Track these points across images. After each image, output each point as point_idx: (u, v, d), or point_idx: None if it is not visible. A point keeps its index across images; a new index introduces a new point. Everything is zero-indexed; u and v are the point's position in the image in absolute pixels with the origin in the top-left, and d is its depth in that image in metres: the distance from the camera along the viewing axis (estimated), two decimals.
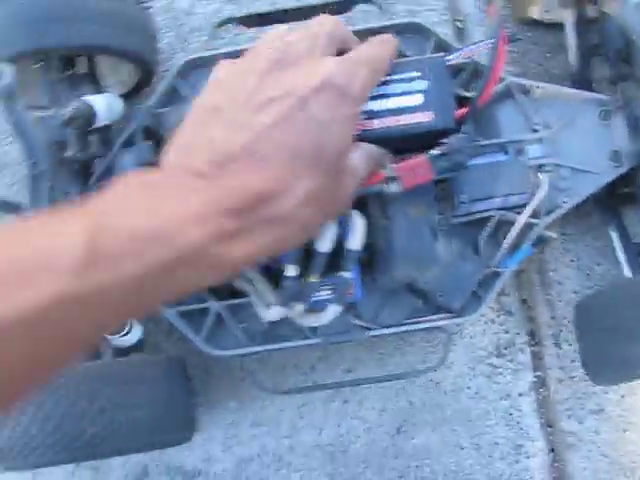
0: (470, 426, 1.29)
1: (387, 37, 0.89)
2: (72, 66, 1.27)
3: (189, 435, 1.15)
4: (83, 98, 1.16)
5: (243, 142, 0.68)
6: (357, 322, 1.13)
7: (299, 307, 1.08)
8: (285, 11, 1.27)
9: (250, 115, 0.70)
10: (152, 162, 1.13)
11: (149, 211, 0.59)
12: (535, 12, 1.36)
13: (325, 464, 1.26)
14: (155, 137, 1.16)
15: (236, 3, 1.47)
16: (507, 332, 1.32)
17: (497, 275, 1.14)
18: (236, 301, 1.15)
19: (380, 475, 1.26)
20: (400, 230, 1.08)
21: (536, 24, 1.41)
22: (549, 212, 1.14)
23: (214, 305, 1.15)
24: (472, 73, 1.16)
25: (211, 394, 1.28)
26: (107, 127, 1.23)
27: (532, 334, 1.35)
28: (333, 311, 1.09)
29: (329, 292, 1.09)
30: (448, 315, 1.13)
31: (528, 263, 1.37)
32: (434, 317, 1.14)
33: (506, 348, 1.32)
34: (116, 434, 0.99)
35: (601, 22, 1.22)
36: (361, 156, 0.81)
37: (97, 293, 0.53)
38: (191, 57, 1.20)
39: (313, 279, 1.06)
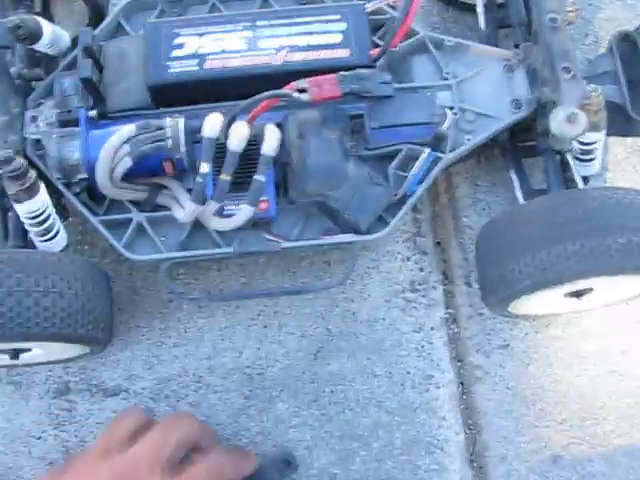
0: (384, 355, 1.36)
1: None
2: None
3: (103, 340, 1.18)
4: (32, 16, 1.21)
5: None
6: (269, 237, 1.21)
7: (211, 207, 1.16)
8: None
9: None
10: (91, 77, 1.20)
11: None
12: None
13: (243, 386, 1.33)
14: (96, 62, 1.24)
15: None
16: (422, 270, 1.40)
17: (403, 202, 1.24)
18: (157, 214, 1.24)
19: (295, 399, 1.33)
20: (313, 148, 1.18)
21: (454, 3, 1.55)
22: (453, 149, 1.25)
23: (136, 215, 1.23)
24: (389, 28, 1.29)
25: (137, 314, 1.35)
26: (53, 58, 1.29)
27: (445, 274, 1.43)
28: (244, 214, 1.17)
29: (243, 201, 1.18)
30: (356, 234, 1.22)
31: (443, 209, 1.46)
32: (343, 235, 1.22)
33: (420, 284, 1.40)
34: (23, 317, 1.04)
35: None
36: None
37: None
38: None
39: (225, 177, 1.14)
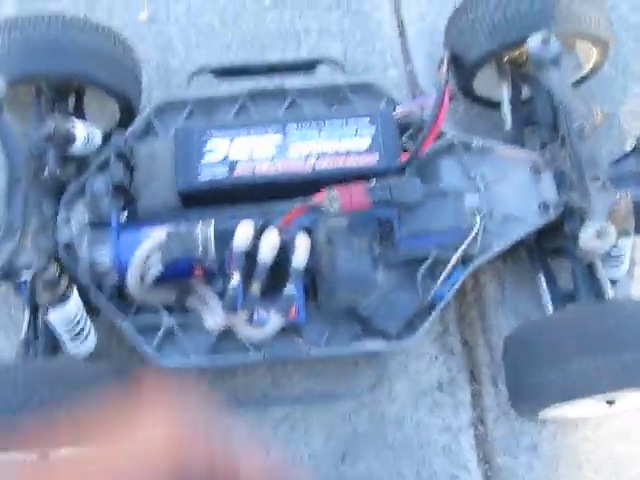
0: (411, 455, 1.35)
1: None
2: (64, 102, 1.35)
3: None
4: (65, 121, 1.23)
5: None
6: (299, 342, 1.21)
7: (241, 316, 1.15)
8: (256, 66, 1.37)
9: None
10: (123, 182, 1.21)
11: None
12: (477, 89, 1.47)
13: None
14: (127, 164, 1.25)
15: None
16: (449, 370, 1.39)
17: (432, 307, 1.23)
18: (187, 319, 1.23)
19: None
20: (343, 256, 1.17)
21: (479, 100, 1.53)
22: (482, 253, 1.25)
23: (167, 319, 1.23)
24: (417, 129, 1.28)
25: None
26: (85, 157, 1.31)
27: (472, 374, 1.40)
28: (274, 324, 1.17)
29: (273, 312, 1.17)
30: (385, 341, 1.21)
31: (470, 308, 1.44)
32: (372, 341, 1.21)
33: (448, 384, 1.39)
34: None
35: (534, 97, 1.36)
36: None
37: None
38: (166, 99, 1.34)
39: (255, 288, 1.14)
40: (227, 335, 1.22)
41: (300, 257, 1.15)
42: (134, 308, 1.24)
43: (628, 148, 1.36)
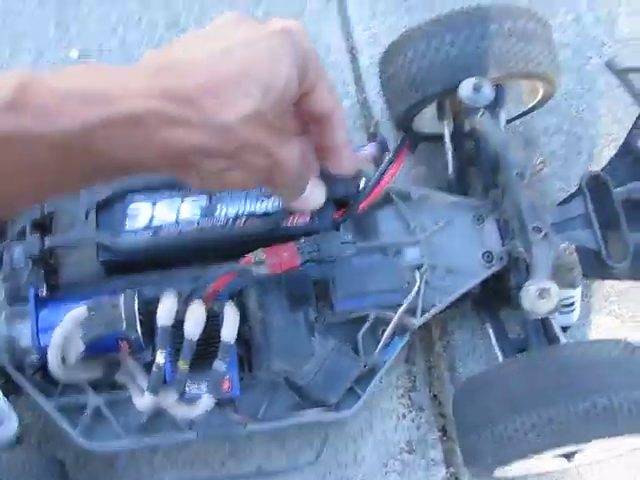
0: None
1: None
2: None
3: None
4: None
5: (203, 55, 0.64)
6: (236, 417, 1.11)
7: (171, 396, 1.05)
8: None
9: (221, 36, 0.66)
10: (38, 256, 1.11)
11: (92, 79, 0.58)
12: (418, 125, 1.36)
13: None
14: (44, 229, 1.14)
15: None
16: (418, 428, 1.29)
17: (374, 371, 1.13)
18: (115, 396, 1.13)
19: None
20: (276, 323, 1.09)
21: (419, 136, 1.41)
22: (425, 311, 1.15)
23: (93, 399, 1.12)
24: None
25: None
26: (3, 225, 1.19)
27: (444, 430, 1.30)
28: (206, 402, 1.06)
29: (205, 386, 1.06)
30: (325, 410, 1.11)
31: (438, 359, 1.34)
32: (311, 412, 1.11)
33: (418, 444, 1.29)
34: None
35: (475, 136, 1.27)
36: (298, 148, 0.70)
37: (24, 138, 0.54)
38: None
39: (183, 366, 1.03)
40: (159, 412, 1.11)
41: (228, 330, 1.04)
42: (60, 388, 1.13)
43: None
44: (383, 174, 1.09)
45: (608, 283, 1.35)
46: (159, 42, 1.53)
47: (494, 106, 1.23)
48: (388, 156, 1.10)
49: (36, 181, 0.58)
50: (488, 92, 1.14)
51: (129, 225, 1.10)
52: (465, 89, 1.14)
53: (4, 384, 1.12)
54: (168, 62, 0.63)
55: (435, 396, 1.31)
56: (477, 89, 1.13)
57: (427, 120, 1.34)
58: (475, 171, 1.32)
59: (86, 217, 1.11)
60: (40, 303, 1.09)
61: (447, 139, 1.29)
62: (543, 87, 1.28)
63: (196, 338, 1.02)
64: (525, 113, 1.39)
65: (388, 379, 1.29)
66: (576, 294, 1.13)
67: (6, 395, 1.11)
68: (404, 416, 1.29)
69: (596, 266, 1.19)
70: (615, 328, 1.34)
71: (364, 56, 1.56)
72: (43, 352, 1.06)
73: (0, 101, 0.53)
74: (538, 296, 1.00)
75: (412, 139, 1.20)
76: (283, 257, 1.03)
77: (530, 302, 1.01)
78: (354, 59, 1.56)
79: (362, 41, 1.57)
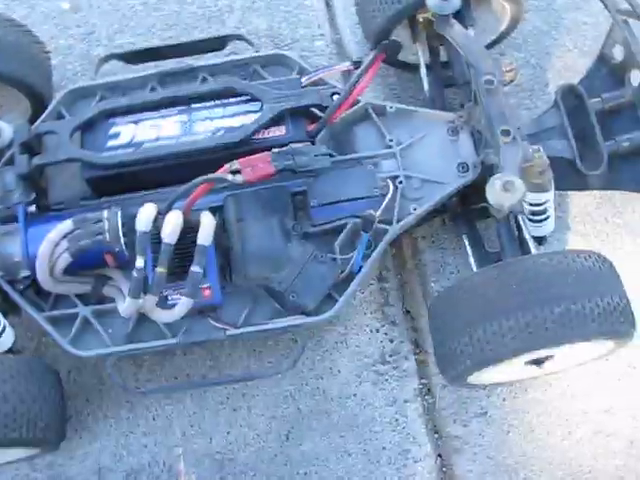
0: (357, 432, 1.30)
1: None
2: None
3: (47, 439, 1.11)
4: None
5: None
6: (216, 324, 1.15)
7: (150, 300, 1.10)
8: (164, 48, 1.31)
9: None
10: (27, 174, 1.16)
11: None
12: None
13: (214, 472, 1.27)
14: (32, 151, 1.19)
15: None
16: (392, 341, 1.34)
17: (351, 278, 1.17)
18: (103, 306, 1.18)
19: None
20: (252, 231, 1.13)
21: (400, 65, 1.47)
22: (400, 219, 1.19)
23: (82, 309, 1.18)
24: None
25: (103, 404, 1.30)
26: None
27: (416, 343, 1.36)
28: (184, 304, 1.11)
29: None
30: (303, 316, 1.15)
31: (410, 276, 1.39)
32: (290, 317, 1.15)
33: (391, 356, 1.33)
34: None
35: (449, 57, 1.33)
36: None
37: None
38: (73, 87, 1.28)
39: (161, 270, 1.09)
40: (145, 321, 1.17)
41: (204, 234, 1.09)
42: (50, 302, 1.19)
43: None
44: (355, 84, 1.14)
45: (574, 203, 1.41)
46: None
47: (463, 23, 1.27)
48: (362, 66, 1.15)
49: None
50: (455, 0, 1.17)
51: (112, 143, 1.16)
52: None
53: (1, 301, 1.18)
54: None
55: (408, 311, 1.37)
56: None
57: (404, 50, 1.38)
58: (452, 91, 1.38)
59: (70, 137, 1.17)
60: (29, 220, 1.14)
61: (421, 58, 1.34)
62: (510, 7, 1.33)
63: (173, 242, 1.07)
64: (496, 41, 1.44)
65: (361, 296, 1.35)
66: (548, 199, 1.15)
67: (4, 313, 1.17)
68: (377, 330, 1.34)
69: (571, 175, 1.22)
70: (581, 246, 1.38)
71: (338, 1, 1.62)
72: (33, 265, 1.11)
73: None
74: (503, 189, 1.03)
75: (390, 50, 1.22)
76: (258, 166, 1.08)
77: (495, 195, 1.04)
78: (329, 3, 1.62)
79: None
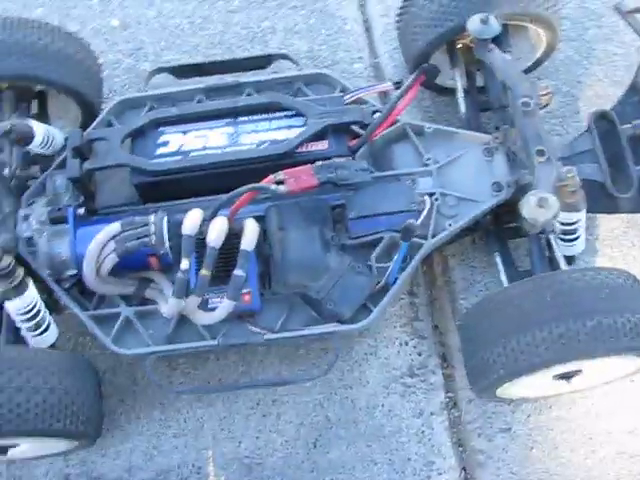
0: (384, 442, 1.32)
1: None
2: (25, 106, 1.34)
3: (87, 433, 1.14)
4: (24, 120, 1.23)
5: None
6: (254, 328, 1.19)
7: (192, 301, 1.14)
8: (211, 63, 1.35)
9: None
10: (78, 178, 1.21)
11: None
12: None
13: (242, 476, 1.31)
14: (83, 156, 1.24)
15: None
16: (420, 354, 1.36)
17: (386, 290, 1.20)
18: (145, 307, 1.22)
19: None
20: (293, 240, 1.17)
21: (439, 89, 1.52)
22: (435, 235, 1.22)
23: (124, 310, 1.22)
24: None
25: (136, 404, 1.33)
26: (48, 157, 1.32)
27: (444, 357, 1.39)
28: (226, 306, 1.15)
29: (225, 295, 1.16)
30: (338, 324, 1.18)
31: (440, 292, 1.43)
32: (325, 325, 1.19)
33: (419, 369, 1.36)
34: (12, 414, 1.04)
35: (486, 81, 1.37)
36: None
37: None
38: (123, 97, 1.34)
39: (205, 272, 1.13)
40: (185, 323, 1.21)
41: (247, 239, 1.13)
42: (95, 301, 1.24)
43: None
44: (395, 104, 1.19)
45: (602, 227, 1.44)
46: (192, 13, 1.67)
47: (499, 46, 1.31)
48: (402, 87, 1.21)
49: None
50: (495, 25, 1.22)
51: (161, 151, 1.22)
52: (473, 22, 1.23)
53: (47, 299, 1.23)
54: None
55: (436, 326, 1.40)
56: (484, 22, 1.21)
57: (443, 74, 1.41)
58: (489, 117, 1.41)
59: (121, 144, 1.22)
60: (78, 221, 1.19)
61: (458, 82, 1.38)
62: (545, 35, 1.37)
63: (217, 246, 1.12)
64: (531, 68, 1.48)
65: (392, 309, 1.38)
66: (579, 219, 1.18)
67: (49, 310, 1.22)
68: (406, 343, 1.37)
69: (602, 198, 1.25)
70: (634, 257, 1.42)
71: (377, 26, 1.67)
72: (79, 265, 1.16)
73: None
74: (537, 205, 1.06)
75: (429, 73, 1.26)
76: (301, 178, 1.12)
77: (530, 210, 1.07)
78: (368, 28, 1.68)
79: (376, 13, 1.68)
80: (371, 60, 1.62)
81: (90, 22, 1.65)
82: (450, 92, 1.48)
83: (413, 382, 1.36)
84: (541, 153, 1.14)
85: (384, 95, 1.40)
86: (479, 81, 1.42)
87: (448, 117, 1.47)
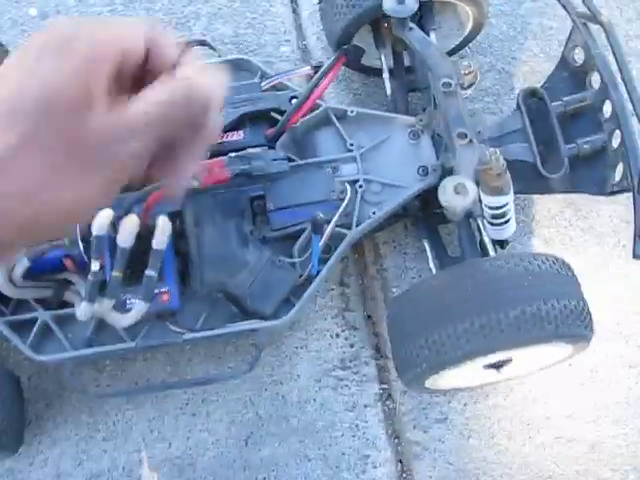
0: (317, 437, 1.30)
1: None
2: None
3: (12, 444, 1.11)
4: None
5: None
6: (174, 328, 1.16)
7: (106, 303, 1.11)
8: None
9: None
10: None
11: None
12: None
13: (173, 477, 1.27)
14: None
15: None
16: (352, 346, 1.33)
17: (309, 282, 1.18)
18: (62, 311, 1.18)
19: None
20: (209, 235, 1.13)
21: (365, 69, 1.48)
22: (359, 223, 1.19)
23: (41, 314, 1.18)
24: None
25: (64, 409, 1.30)
26: None
27: (377, 348, 1.37)
28: (139, 308, 1.11)
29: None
30: (260, 320, 1.16)
31: (371, 281, 1.39)
32: (246, 321, 1.16)
33: (351, 361, 1.34)
34: None
35: (412, 62, 1.35)
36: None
37: None
38: None
39: (116, 274, 1.09)
40: (106, 326, 1.17)
41: (158, 238, 1.08)
42: (11, 308, 1.20)
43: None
44: (314, 88, 1.15)
45: (537, 208, 1.42)
46: (112, 0, 1.61)
47: (424, 27, 1.30)
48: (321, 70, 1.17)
49: None
50: (411, 3, 1.19)
51: None
52: (389, 1, 1.19)
53: None
54: None
55: (369, 316, 1.38)
56: (400, 1, 1.18)
57: (367, 54, 1.39)
58: (417, 96, 1.39)
59: None
60: None
61: (384, 63, 1.35)
62: (472, 11, 1.34)
63: (128, 246, 1.07)
64: (463, 44, 1.44)
65: (322, 301, 1.35)
66: (508, 204, 1.15)
67: None
68: (338, 335, 1.35)
69: (533, 179, 1.22)
70: (545, 250, 1.39)
71: (304, 7, 1.63)
72: None
73: None
74: (454, 191, 1.04)
75: (353, 54, 1.22)
76: (213, 170, 1.09)
77: (447, 197, 1.05)
78: (295, 9, 1.63)
79: None
80: (299, 43, 1.57)
81: (6, 12, 1.59)
82: (379, 73, 1.43)
83: (345, 375, 1.33)
84: (462, 136, 1.11)
85: (309, 78, 1.35)
86: (407, 61, 1.38)
87: (378, 99, 1.44)
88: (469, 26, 1.39)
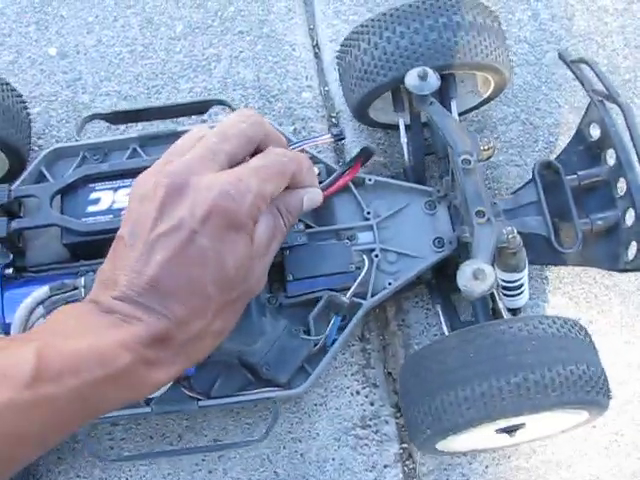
0: None
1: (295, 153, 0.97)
2: None
3: None
4: None
5: (147, 279, 0.76)
6: (188, 393, 1.17)
7: None
8: (147, 110, 1.30)
9: (149, 250, 0.78)
10: (5, 237, 1.17)
11: (84, 335, 0.71)
12: (374, 116, 1.43)
13: None
14: (11, 214, 1.20)
15: (130, 100, 1.48)
16: (372, 404, 1.34)
17: (325, 351, 1.19)
18: None
19: None
20: None
21: (374, 124, 1.47)
22: (375, 293, 1.21)
23: None
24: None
25: (76, 463, 1.31)
26: None
27: (397, 406, 1.36)
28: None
29: None
30: (275, 388, 1.17)
31: (392, 337, 1.40)
32: (261, 390, 1.17)
33: (371, 419, 1.34)
34: None
35: (430, 128, 1.34)
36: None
37: (44, 401, 0.64)
38: (56, 146, 1.29)
39: None
40: None
41: None
42: None
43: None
44: (336, 181, 1.16)
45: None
46: (133, 41, 1.59)
47: (445, 96, 1.31)
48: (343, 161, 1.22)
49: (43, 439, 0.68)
50: (433, 80, 1.20)
51: (91, 209, 1.19)
52: (411, 78, 1.20)
53: None
54: (126, 293, 0.77)
55: (389, 373, 1.38)
56: (422, 77, 1.19)
57: (383, 111, 1.40)
58: (431, 160, 1.40)
59: (51, 202, 1.19)
60: (6, 282, 1.16)
61: (402, 129, 1.36)
62: (494, 78, 1.34)
63: None
64: (480, 105, 1.45)
65: (342, 357, 1.37)
66: (522, 278, 1.16)
67: None
68: (358, 392, 1.36)
69: (547, 252, 1.23)
70: (569, 308, 1.39)
71: (327, 52, 1.62)
72: (7, 330, 1.13)
73: (23, 375, 0.63)
74: (473, 276, 1.03)
75: (365, 154, 1.19)
76: None
77: (465, 282, 1.04)
78: (318, 54, 1.63)
79: (325, 38, 1.63)
80: (321, 89, 1.56)
81: (26, 52, 1.58)
82: (384, 126, 1.46)
83: (365, 433, 1.33)
84: (481, 214, 1.12)
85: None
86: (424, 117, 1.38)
87: (400, 149, 1.41)
88: (490, 89, 1.39)
